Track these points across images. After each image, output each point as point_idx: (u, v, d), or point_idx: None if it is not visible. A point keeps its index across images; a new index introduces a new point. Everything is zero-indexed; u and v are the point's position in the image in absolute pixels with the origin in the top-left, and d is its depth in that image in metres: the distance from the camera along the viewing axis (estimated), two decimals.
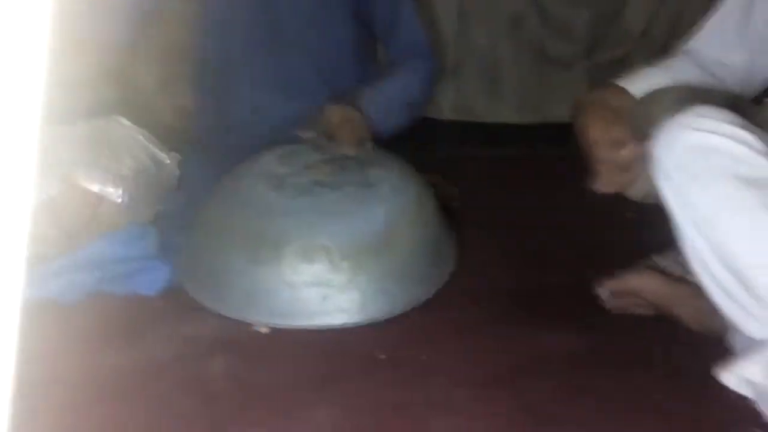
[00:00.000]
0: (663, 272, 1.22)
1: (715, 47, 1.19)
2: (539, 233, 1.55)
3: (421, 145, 1.98)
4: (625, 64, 2.24)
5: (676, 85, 1.14)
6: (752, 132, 0.92)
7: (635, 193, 1.05)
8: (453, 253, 1.35)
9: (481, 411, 1.01)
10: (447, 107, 2.18)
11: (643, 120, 1.10)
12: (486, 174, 1.92)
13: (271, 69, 1.49)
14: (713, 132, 0.92)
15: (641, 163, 1.03)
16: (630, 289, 1.22)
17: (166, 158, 1.39)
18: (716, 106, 1.05)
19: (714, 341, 1.07)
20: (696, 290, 1.03)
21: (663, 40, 2.22)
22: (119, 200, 1.28)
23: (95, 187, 1.26)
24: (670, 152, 0.95)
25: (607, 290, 1.23)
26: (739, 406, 0.99)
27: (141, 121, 1.44)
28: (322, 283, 1.18)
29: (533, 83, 2.23)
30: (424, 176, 1.58)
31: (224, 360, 1.12)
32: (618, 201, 1.17)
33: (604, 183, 1.11)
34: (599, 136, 1.11)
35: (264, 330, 1.19)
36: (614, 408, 1.02)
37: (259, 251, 1.20)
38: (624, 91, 1.15)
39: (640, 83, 1.15)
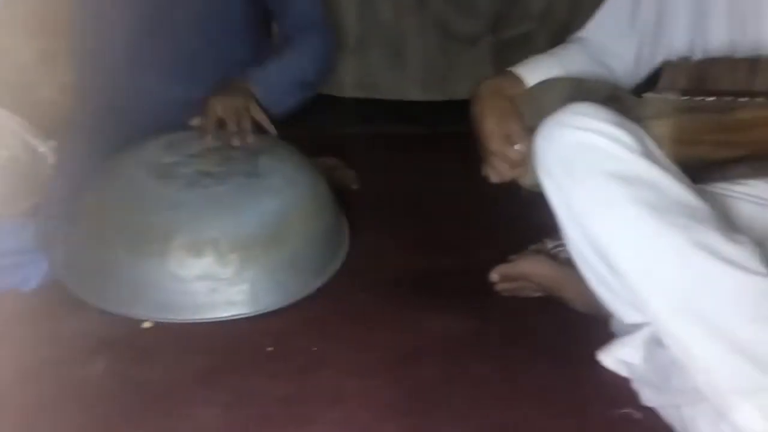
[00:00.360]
0: (552, 256, 1.25)
1: (606, 36, 1.22)
2: (437, 216, 1.56)
3: (323, 123, 1.97)
4: (529, 41, 2.27)
5: (564, 76, 1.16)
6: (627, 129, 0.95)
7: (527, 181, 1.07)
8: (346, 241, 1.34)
9: (368, 401, 1.02)
10: (349, 84, 2.15)
11: (532, 112, 1.11)
12: (388, 153, 1.92)
13: (157, 48, 1.42)
14: (590, 130, 0.94)
15: (532, 153, 1.05)
16: (520, 273, 1.25)
17: (40, 146, 1.32)
18: (599, 100, 1.07)
19: (599, 324, 1.11)
20: None
21: (564, 18, 2.26)
22: None
23: None
24: (550, 149, 0.97)
25: (497, 274, 1.26)
26: (619, 387, 1.02)
27: (18, 100, 1.36)
28: (210, 276, 1.16)
29: (438, 59, 2.22)
30: (321, 160, 1.58)
31: (107, 359, 1.09)
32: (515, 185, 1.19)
33: (497, 173, 1.13)
34: (493, 128, 1.12)
35: (147, 325, 1.16)
36: (496, 392, 1.05)
37: (143, 245, 1.16)
38: (519, 80, 1.16)
39: (534, 72, 1.17)
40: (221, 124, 1.30)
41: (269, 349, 1.12)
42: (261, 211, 1.19)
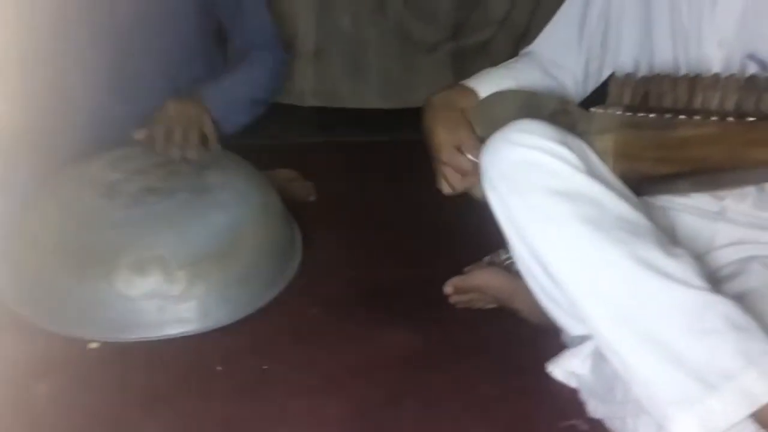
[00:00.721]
0: (506, 268, 1.26)
1: (554, 51, 1.23)
2: (394, 226, 1.56)
3: (281, 133, 1.96)
4: (488, 48, 2.28)
5: (515, 89, 1.17)
6: (570, 146, 0.96)
7: (478, 193, 1.07)
8: (298, 254, 1.34)
9: (315, 420, 1.02)
10: (309, 92, 2.14)
11: (483, 124, 1.12)
12: (347, 162, 1.91)
13: (107, 67, 1.40)
14: (534, 147, 0.95)
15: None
16: (473, 285, 1.26)
17: None
18: (548, 113, 1.09)
19: (551, 336, 1.12)
20: None
21: (524, 25, 2.27)
22: None
23: None
24: (495, 165, 0.98)
25: (451, 287, 1.26)
26: (567, 398, 1.04)
27: None
28: (158, 294, 1.15)
29: (397, 67, 2.22)
30: (277, 172, 1.57)
31: (51, 381, 1.07)
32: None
33: (449, 184, 1.13)
34: (445, 138, 1.12)
35: (93, 345, 1.15)
36: (446, 406, 1.05)
37: (88, 264, 1.15)
38: (471, 92, 1.17)
39: (485, 84, 1.18)
40: (168, 134, 1.28)
41: (218, 368, 1.11)
42: (209, 227, 1.18)
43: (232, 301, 1.19)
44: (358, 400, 1.05)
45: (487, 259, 1.30)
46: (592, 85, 1.24)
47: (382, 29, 2.19)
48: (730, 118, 0.92)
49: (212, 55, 1.52)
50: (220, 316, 1.18)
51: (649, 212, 1.01)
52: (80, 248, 1.15)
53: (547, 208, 0.93)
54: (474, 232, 1.46)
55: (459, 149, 1.12)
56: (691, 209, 1.08)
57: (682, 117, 0.96)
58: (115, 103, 1.38)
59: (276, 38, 1.52)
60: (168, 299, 1.15)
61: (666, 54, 1.08)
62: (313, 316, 1.25)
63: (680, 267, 0.89)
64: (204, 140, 1.32)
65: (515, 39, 2.25)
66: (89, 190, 1.19)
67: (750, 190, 1.04)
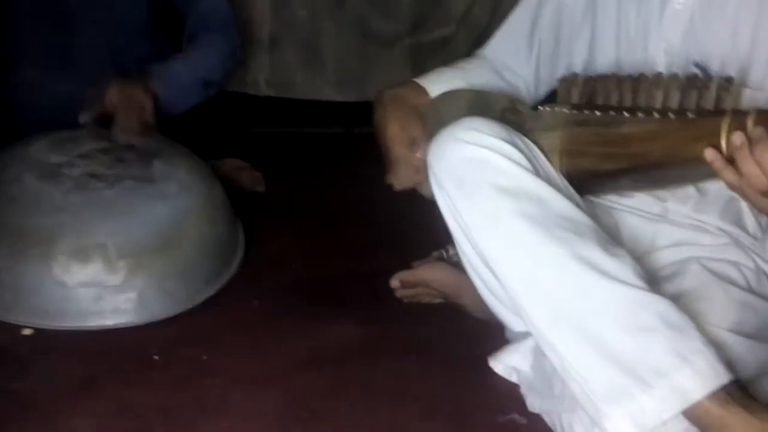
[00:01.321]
0: (453, 263, 1.26)
1: (506, 54, 1.24)
2: (344, 219, 1.56)
3: (234, 122, 1.94)
4: (448, 45, 2.29)
5: (466, 88, 1.17)
6: (516, 144, 0.97)
7: (427, 190, 1.07)
8: (241, 247, 1.32)
9: (253, 411, 1.01)
10: (263, 83, 2.11)
11: (434, 122, 1.12)
12: (300, 153, 1.90)
13: (53, 44, 1.37)
14: (479, 145, 0.95)
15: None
16: (420, 279, 1.26)
17: None
18: (497, 111, 1.10)
19: (496, 331, 1.12)
20: None
21: (484, 22, 2.28)
22: None
23: None
24: (442, 162, 0.98)
25: (398, 281, 1.26)
26: (508, 393, 1.05)
27: None
28: (97, 283, 1.13)
29: (355, 60, 2.21)
30: (226, 162, 1.55)
31: None
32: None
33: (399, 180, 1.13)
34: (396, 133, 1.12)
35: (27, 332, 1.12)
36: (386, 399, 1.05)
37: (25, 247, 1.12)
38: (421, 90, 1.17)
39: (436, 83, 1.18)
40: (111, 114, 1.25)
41: (155, 357, 1.09)
42: (152, 217, 1.16)
43: (172, 294, 1.17)
44: (299, 391, 1.04)
45: (435, 254, 1.30)
46: (544, 90, 1.25)
47: (340, 21, 2.18)
48: (672, 116, 0.93)
49: (160, 36, 1.49)
50: (159, 308, 1.16)
51: (593, 211, 1.03)
52: (17, 231, 1.12)
53: (490, 206, 0.94)
54: (424, 228, 1.47)
55: (410, 145, 1.12)
56: (635, 210, 1.09)
57: (625, 114, 0.98)
58: (56, 82, 1.35)
59: (230, 21, 1.50)
60: (107, 289, 1.13)
61: (612, 61, 1.10)
62: (256, 308, 1.24)
63: (619, 266, 0.90)
64: (146, 126, 1.29)
65: (475, 36, 2.25)
66: (29, 172, 1.16)
67: (691, 194, 1.06)
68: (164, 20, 1.51)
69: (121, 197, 1.16)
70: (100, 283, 1.12)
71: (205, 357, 1.10)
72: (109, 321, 1.13)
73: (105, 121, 1.26)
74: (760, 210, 0.91)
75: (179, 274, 1.18)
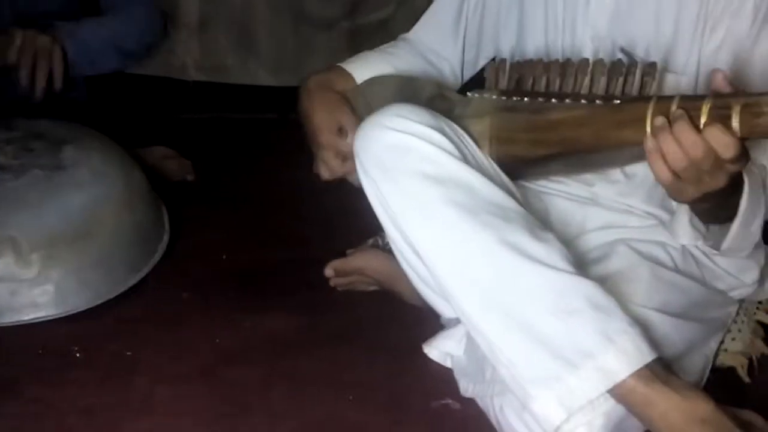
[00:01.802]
0: (388, 250, 1.25)
1: (432, 38, 1.23)
2: (277, 208, 1.52)
3: (162, 109, 1.88)
4: (387, 27, 2.26)
5: (393, 74, 1.16)
6: (443, 131, 0.96)
7: (355, 179, 1.06)
8: (164, 236, 1.29)
9: (181, 408, 0.98)
10: (192, 67, 2.04)
11: (361, 109, 1.10)
12: (232, 140, 1.86)
13: None
14: (406, 132, 0.94)
15: None
16: (354, 267, 1.25)
17: None
18: (425, 98, 1.08)
19: (431, 318, 1.11)
20: None
21: (422, 5, 2.25)
22: None
23: None
24: (368, 149, 0.97)
25: (331, 269, 1.24)
26: (442, 378, 1.04)
27: None
28: (10, 277, 1.08)
29: (290, 43, 2.16)
30: (152, 149, 1.50)
31: None
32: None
33: (329, 168, 1.11)
34: (323, 121, 1.10)
35: None
36: (317, 390, 1.03)
37: None
38: (347, 75, 1.15)
39: (363, 69, 1.16)
40: (13, 63, 1.20)
41: (77, 354, 1.05)
42: (65, 207, 1.12)
43: (91, 286, 1.13)
44: (228, 386, 1.02)
45: (370, 241, 1.29)
46: (469, 73, 1.25)
47: (274, 2, 2.12)
48: (599, 101, 0.94)
49: (81, 12, 1.43)
50: (78, 301, 1.12)
51: (524, 196, 1.03)
52: None
53: (417, 193, 0.93)
54: (358, 215, 1.45)
55: (338, 132, 1.10)
56: (565, 194, 1.10)
57: (554, 101, 0.98)
58: None
59: None
60: (21, 283, 1.08)
61: (539, 47, 1.10)
62: (184, 300, 1.20)
63: (546, 251, 0.91)
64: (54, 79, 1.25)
65: (414, 18, 2.19)
66: None
67: (618, 178, 1.07)
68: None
69: (30, 188, 1.11)
70: (14, 278, 1.08)
71: (129, 352, 1.07)
72: (26, 316, 1.09)
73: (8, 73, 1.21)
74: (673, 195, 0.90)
75: (97, 264, 1.14)
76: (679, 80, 1.00)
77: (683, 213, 1.02)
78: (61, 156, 1.16)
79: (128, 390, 1.00)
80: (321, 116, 1.11)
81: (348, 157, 1.08)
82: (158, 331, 1.12)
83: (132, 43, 1.43)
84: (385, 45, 1.25)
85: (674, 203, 1.06)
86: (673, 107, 0.83)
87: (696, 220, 1.00)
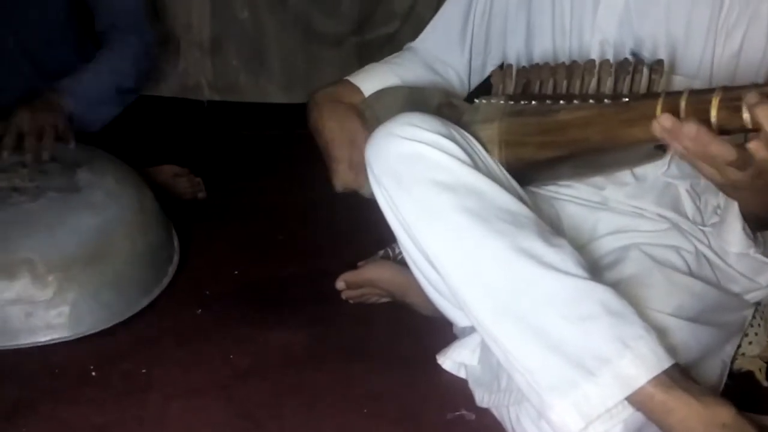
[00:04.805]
0: (399, 262, 1.25)
1: (439, 46, 1.23)
2: (288, 222, 1.53)
3: (180, 127, 1.89)
4: (394, 42, 2.28)
5: (400, 85, 1.16)
6: (454, 138, 0.96)
7: (368, 190, 1.06)
8: (176, 255, 1.29)
9: (196, 424, 0.98)
10: (206, 86, 2.08)
11: (370, 121, 1.10)
12: (242, 157, 1.87)
13: None
14: (418, 140, 0.94)
15: None
16: (366, 279, 1.24)
17: None
18: (433, 107, 1.08)
19: (443, 328, 1.11)
20: None
21: (428, 18, 2.26)
22: None
23: None
24: (379, 159, 0.96)
25: (343, 282, 1.24)
26: (456, 389, 1.03)
27: None
28: (26, 299, 1.09)
29: (300, 61, 2.19)
30: (164, 168, 1.51)
31: None
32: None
33: (342, 180, 1.11)
34: (335, 134, 1.10)
35: None
36: (332, 402, 1.03)
37: None
38: (355, 88, 1.15)
39: (369, 81, 1.16)
40: (21, 139, 1.22)
41: (92, 373, 1.06)
42: (79, 229, 1.13)
43: (105, 306, 1.14)
44: (242, 400, 1.02)
45: (381, 253, 1.29)
46: (476, 81, 1.25)
47: (283, 21, 2.15)
48: (606, 101, 0.93)
49: (81, 37, 1.45)
50: (93, 321, 1.13)
51: (535, 202, 1.03)
52: None
53: (430, 201, 0.93)
54: (369, 227, 1.45)
55: (350, 145, 1.10)
56: (575, 199, 1.09)
57: (561, 102, 0.98)
58: None
59: (143, 19, 1.47)
60: (37, 305, 1.09)
61: (547, 53, 1.10)
62: (197, 316, 1.21)
63: (560, 256, 0.89)
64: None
65: (420, 31, 2.23)
66: None
67: (628, 180, 1.06)
68: (83, 19, 1.46)
69: (45, 210, 1.12)
70: (30, 300, 1.09)
71: (143, 370, 1.07)
72: (42, 338, 1.10)
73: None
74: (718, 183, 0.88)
75: (112, 285, 1.14)
76: (692, 84, 0.99)
77: (735, 220, 1.00)
78: (76, 178, 1.17)
79: (143, 407, 1.00)
80: (332, 129, 1.11)
81: (360, 169, 1.08)
82: (172, 348, 1.13)
83: (130, 81, 1.44)
84: (390, 56, 1.25)
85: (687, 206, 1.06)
86: (682, 103, 0.82)
87: (747, 228, 0.99)
